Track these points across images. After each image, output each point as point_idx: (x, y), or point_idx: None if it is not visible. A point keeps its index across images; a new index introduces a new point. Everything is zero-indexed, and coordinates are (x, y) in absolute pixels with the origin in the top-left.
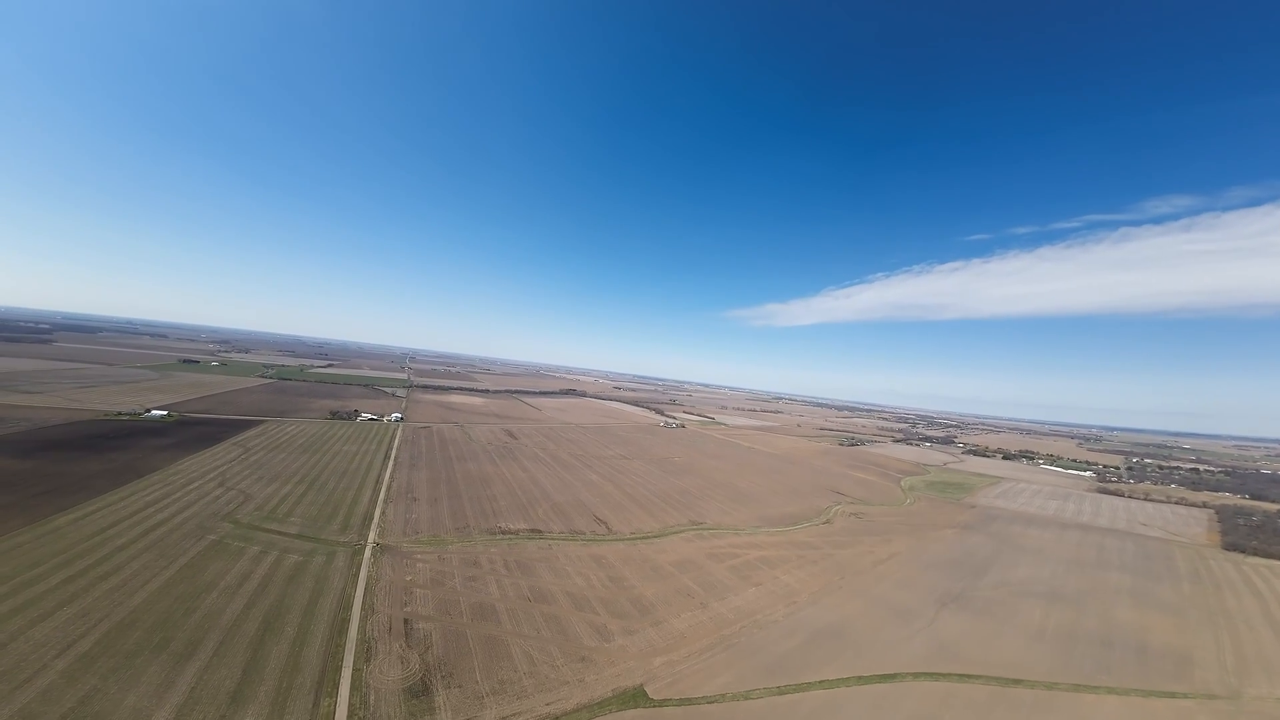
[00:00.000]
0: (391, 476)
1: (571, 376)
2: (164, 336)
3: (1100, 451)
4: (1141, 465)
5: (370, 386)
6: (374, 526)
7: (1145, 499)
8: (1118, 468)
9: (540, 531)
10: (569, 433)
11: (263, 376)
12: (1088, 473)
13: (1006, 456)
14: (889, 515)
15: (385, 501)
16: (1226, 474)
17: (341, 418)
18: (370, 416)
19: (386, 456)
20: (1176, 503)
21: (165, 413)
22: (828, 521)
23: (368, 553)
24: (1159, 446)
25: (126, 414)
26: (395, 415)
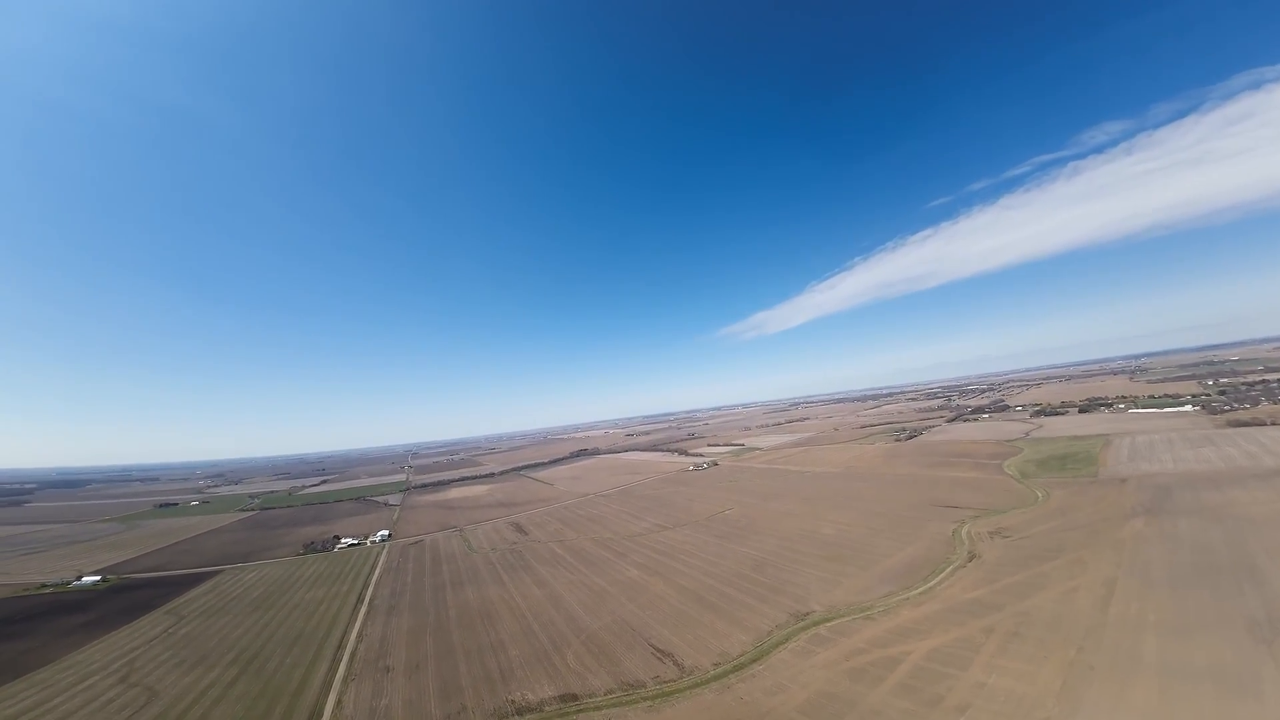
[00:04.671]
0: (360, 633)
1: (581, 435)
2: (155, 480)
3: (1163, 381)
4: (1234, 387)
5: (362, 499)
6: None
7: None
8: (1208, 395)
9: (576, 696)
10: (588, 507)
11: (244, 510)
12: (1187, 407)
13: (1082, 410)
14: (1038, 522)
15: (346, 680)
16: None
17: (317, 549)
18: (351, 541)
19: (360, 599)
20: None
21: (99, 578)
22: (973, 555)
23: None
24: (1211, 364)
25: (51, 586)
26: (382, 534)
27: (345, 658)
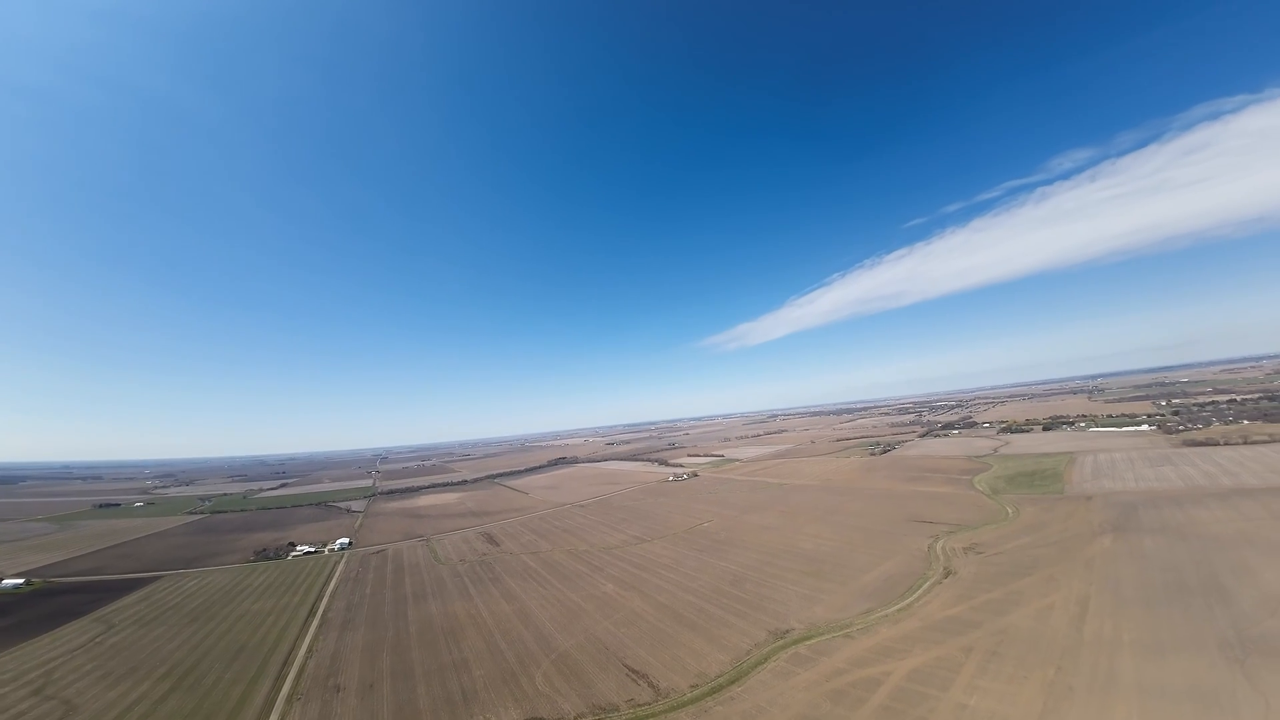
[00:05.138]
0: (311, 648)
1: (560, 443)
2: (98, 478)
3: (1120, 401)
4: (1187, 408)
5: (323, 505)
6: None
7: (1245, 443)
8: (1162, 415)
9: None
10: (564, 518)
11: (192, 513)
12: (1144, 426)
13: (1047, 428)
14: (1010, 538)
15: (291, 699)
16: (1268, 399)
17: (269, 557)
18: (308, 549)
19: (312, 612)
20: None
21: (22, 581)
22: (948, 571)
23: None
24: (1163, 385)
25: None
26: (342, 541)
27: (292, 675)
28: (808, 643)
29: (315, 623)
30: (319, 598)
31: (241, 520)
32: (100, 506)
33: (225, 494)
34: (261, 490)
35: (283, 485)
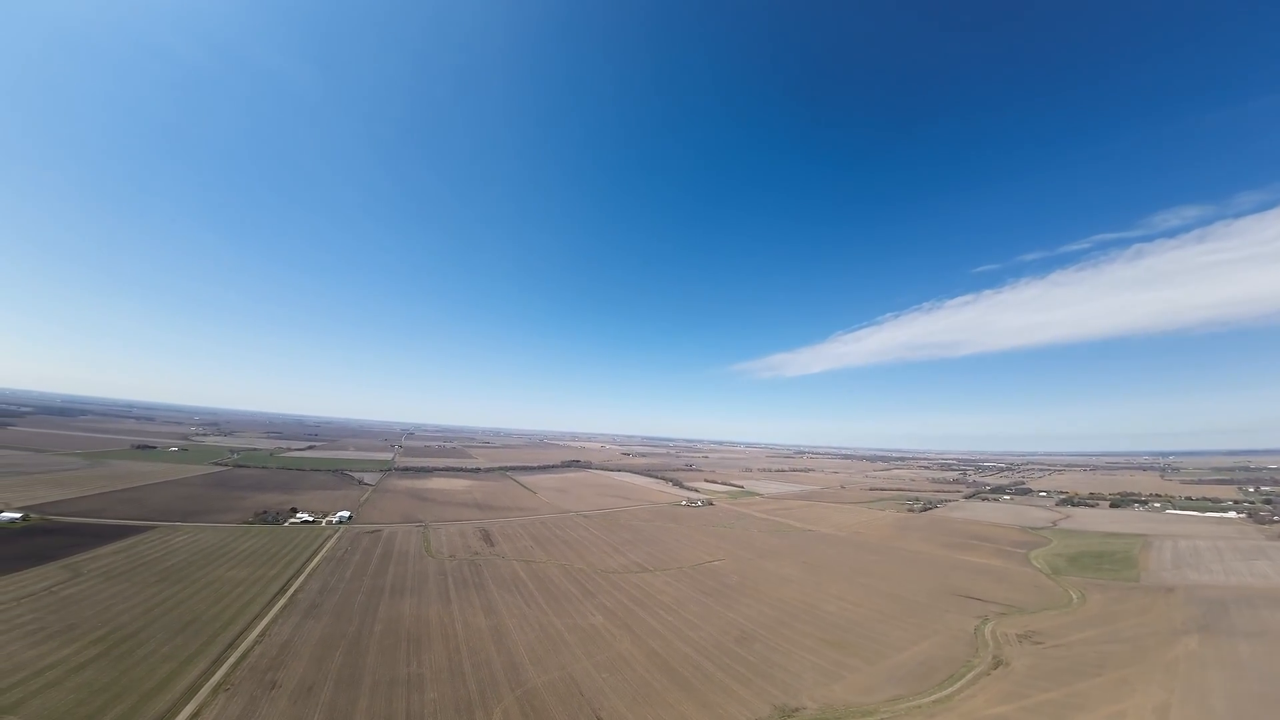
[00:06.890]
0: (264, 632)
1: (577, 444)
2: (150, 419)
3: (1197, 483)
4: None
5: (339, 473)
6: None
7: None
8: (1251, 502)
9: None
10: (566, 527)
11: (217, 464)
12: (1230, 513)
13: (1115, 504)
14: (1074, 629)
15: (217, 689)
16: None
17: (268, 520)
18: (307, 518)
19: (284, 589)
20: None
21: (19, 516)
22: (998, 661)
23: None
24: (1247, 469)
25: None
26: (342, 514)
27: (232, 659)
28: None
29: (282, 602)
30: (297, 574)
31: (257, 478)
32: (137, 447)
33: (255, 449)
34: (289, 450)
35: (310, 447)
